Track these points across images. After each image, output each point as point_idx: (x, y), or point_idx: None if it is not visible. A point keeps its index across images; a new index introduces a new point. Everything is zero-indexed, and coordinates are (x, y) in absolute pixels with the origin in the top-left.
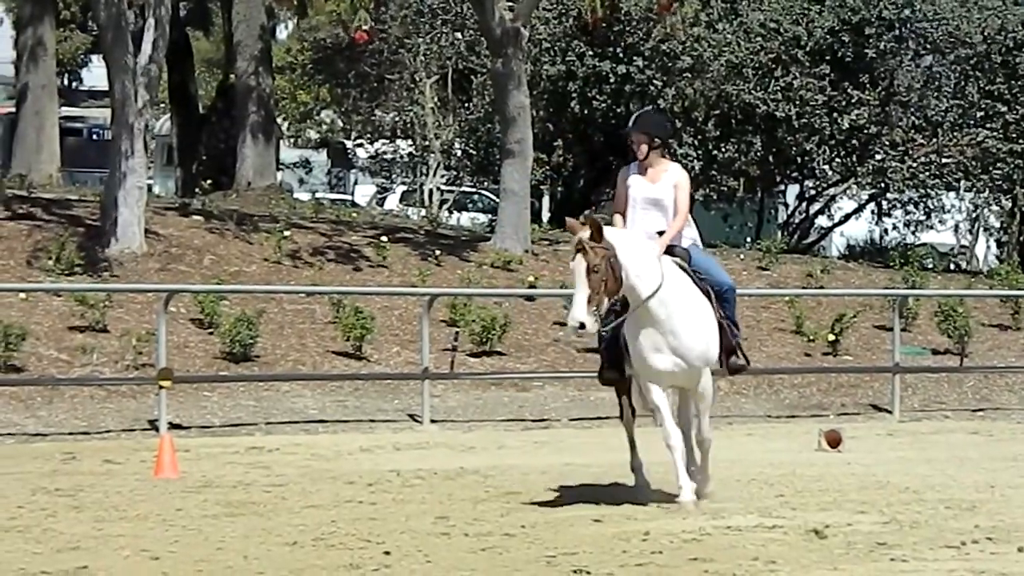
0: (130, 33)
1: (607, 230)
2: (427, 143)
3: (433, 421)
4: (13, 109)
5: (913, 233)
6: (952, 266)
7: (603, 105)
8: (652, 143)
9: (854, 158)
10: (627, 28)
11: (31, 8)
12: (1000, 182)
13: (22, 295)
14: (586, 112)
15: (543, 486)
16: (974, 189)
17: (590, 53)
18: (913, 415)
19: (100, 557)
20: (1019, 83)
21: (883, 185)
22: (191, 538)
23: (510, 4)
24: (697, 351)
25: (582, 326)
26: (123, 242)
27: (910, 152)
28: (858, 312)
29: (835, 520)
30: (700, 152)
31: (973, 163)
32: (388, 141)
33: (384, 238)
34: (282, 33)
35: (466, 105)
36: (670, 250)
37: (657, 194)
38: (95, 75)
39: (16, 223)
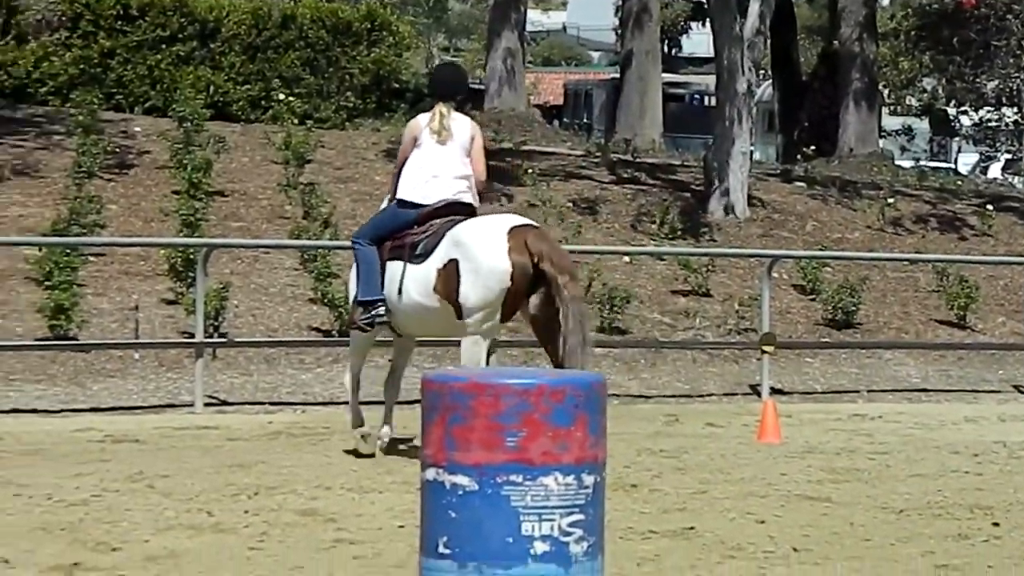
0: (736, 1)
1: None
2: None
3: None
4: (617, 75)
5: None
6: None
7: None
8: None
9: None
10: None
11: None
12: None
13: (626, 258)
14: None
15: None
16: None
17: None
18: None
19: (706, 519)
20: None
21: None
22: (796, 503)
23: None
24: None
25: None
26: (726, 207)
27: None
28: None
29: None
30: None
31: None
32: (992, 109)
33: (989, 206)
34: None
35: None
36: None
37: None
38: (694, 42)
39: (621, 187)
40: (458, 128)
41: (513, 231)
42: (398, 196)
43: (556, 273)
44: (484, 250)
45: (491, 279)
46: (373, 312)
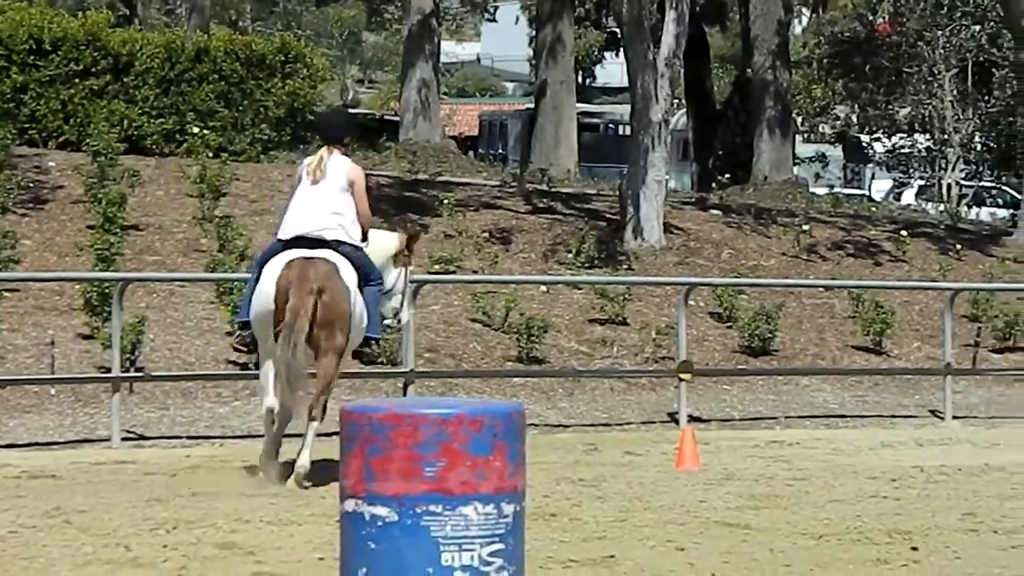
0: (649, 30)
1: None
2: (945, 137)
3: (955, 417)
4: (532, 105)
5: None
6: None
7: None
8: None
9: None
10: None
11: (551, 5)
12: None
13: (543, 288)
14: None
15: None
16: None
17: None
18: None
19: (626, 547)
20: None
21: None
22: (715, 530)
23: None
24: None
25: None
26: (642, 236)
27: None
28: None
29: None
30: None
31: None
32: (905, 135)
33: (903, 232)
34: (796, 27)
35: (986, 98)
36: None
37: None
38: (608, 72)
39: (536, 217)
40: (334, 169)
41: (290, 262)
42: (277, 234)
43: (286, 309)
44: (265, 275)
45: (261, 299)
46: (243, 333)
